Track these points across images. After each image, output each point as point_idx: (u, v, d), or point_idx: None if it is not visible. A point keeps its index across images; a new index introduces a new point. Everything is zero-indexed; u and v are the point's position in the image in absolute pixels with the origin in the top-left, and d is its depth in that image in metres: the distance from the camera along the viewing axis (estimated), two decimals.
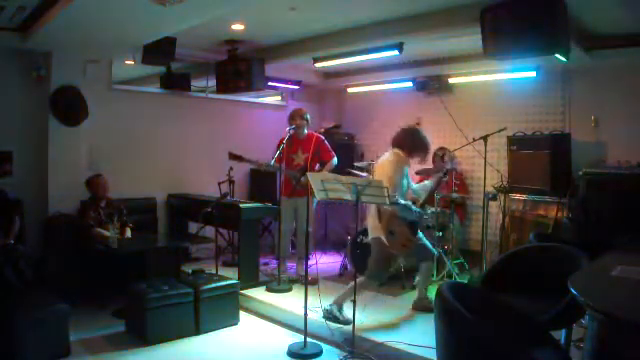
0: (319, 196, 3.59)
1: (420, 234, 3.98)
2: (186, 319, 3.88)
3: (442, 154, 5.74)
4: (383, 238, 3.76)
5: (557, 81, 5.30)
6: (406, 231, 3.76)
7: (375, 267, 3.83)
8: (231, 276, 4.45)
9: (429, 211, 5.02)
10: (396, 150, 3.94)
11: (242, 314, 4.30)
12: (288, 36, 5.22)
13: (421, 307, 4.12)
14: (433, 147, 5.87)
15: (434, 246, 4.82)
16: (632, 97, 4.73)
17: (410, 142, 3.92)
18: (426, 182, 4.36)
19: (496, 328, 2.07)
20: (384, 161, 3.94)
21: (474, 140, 4.86)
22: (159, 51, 5.09)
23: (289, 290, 4.69)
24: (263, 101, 7.25)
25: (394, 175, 3.77)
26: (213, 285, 4.06)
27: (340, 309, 3.87)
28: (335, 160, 5.05)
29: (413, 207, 3.86)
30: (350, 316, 3.59)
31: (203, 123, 6.21)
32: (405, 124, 4.21)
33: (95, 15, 3.74)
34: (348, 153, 6.63)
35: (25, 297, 3.55)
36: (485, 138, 4.73)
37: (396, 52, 4.69)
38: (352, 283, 3.89)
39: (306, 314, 3.60)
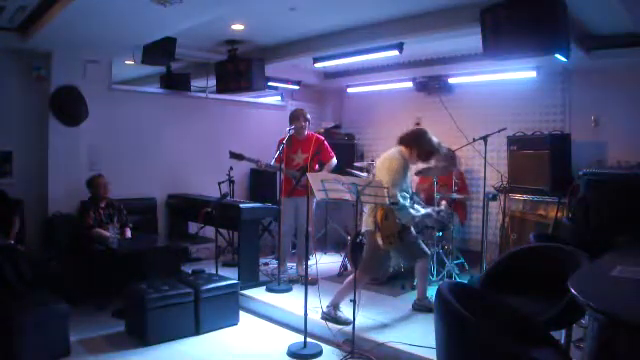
0: (319, 196, 3.59)
1: (414, 234, 3.98)
2: (186, 319, 3.88)
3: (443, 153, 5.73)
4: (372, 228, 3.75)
5: (557, 81, 5.30)
6: (392, 227, 3.73)
7: (368, 260, 3.80)
8: (231, 276, 4.45)
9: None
10: (402, 148, 3.83)
11: (242, 314, 4.30)
12: (288, 36, 5.22)
13: (421, 307, 4.12)
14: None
15: (434, 246, 4.83)
16: (632, 97, 4.73)
17: (419, 142, 3.81)
18: (428, 210, 4.06)
19: (496, 328, 2.07)
20: (389, 156, 3.80)
21: (474, 140, 4.86)
22: (159, 51, 5.10)
23: (289, 290, 4.69)
24: (263, 101, 7.25)
25: (396, 172, 3.68)
26: (213, 285, 4.06)
27: (336, 310, 3.88)
28: (335, 161, 5.06)
29: (416, 209, 3.84)
30: (349, 316, 3.59)
31: (203, 123, 6.21)
32: (412, 125, 4.09)
33: (95, 15, 3.75)
34: (348, 153, 6.63)
35: (25, 297, 3.55)
36: (485, 138, 4.73)
37: (396, 52, 4.69)
38: (344, 284, 3.93)
39: (306, 314, 3.60)
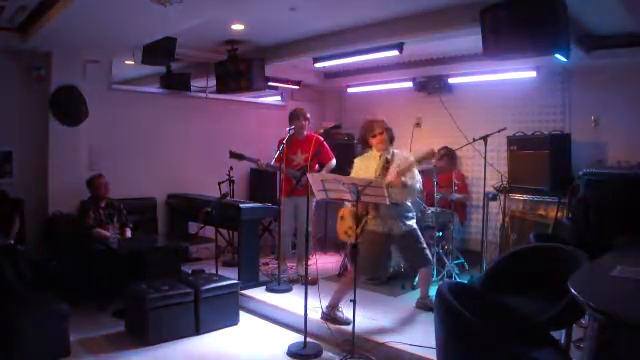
0: (319, 196, 3.60)
1: (421, 239, 3.99)
2: (186, 319, 3.88)
3: (442, 154, 5.74)
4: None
5: (557, 81, 5.29)
6: (351, 220, 3.80)
7: (361, 259, 3.77)
8: (231, 276, 4.45)
9: (429, 211, 5.03)
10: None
11: (242, 314, 4.30)
12: (288, 36, 5.22)
13: (423, 306, 4.13)
14: (434, 147, 5.91)
15: (434, 246, 4.84)
16: (632, 97, 4.72)
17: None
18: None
19: (496, 328, 2.07)
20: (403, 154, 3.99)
21: (474, 140, 4.86)
22: (159, 51, 5.09)
23: (289, 290, 4.69)
24: (263, 101, 7.25)
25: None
26: (213, 285, 4.06)
27: (335, 310, 3.88)
28: (334, 162, 5.06)
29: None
30: (348, 316, 3.59)
31: (203, 123, 6.21)
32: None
33: (95, 15, 3.75)
34: (348, 153, 6.60)
35: (25, 297, 3.55)
36: (485, 138, 4.73)
37: (396, 52, 4.68)
38: (340, 284, 3.96)
39: (306, 314, 3.60)
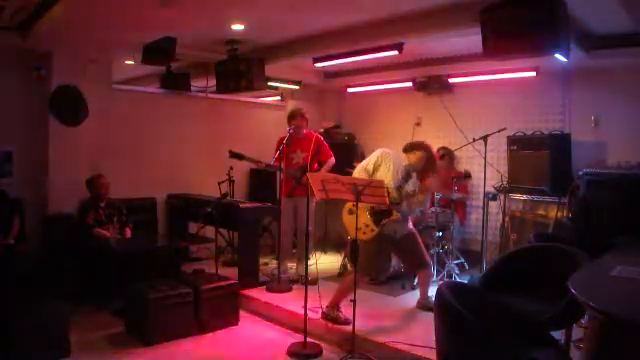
0: (319, 196, 3.59)
1: (419, 241, 3.99)
2: (186, 319, 3.88)
3: (442, 154, 5.74)
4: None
5: (557, 81, 5.30)
6: (367, 216, 3.78)
7: (363, 260, 3.77)
8: (231, 276, 4.45)
9: (429, 211, 5.03)
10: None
11: (242, 314, 4.30)
12: (288, 36, 5.21)
13: (423, 307, 4.13)
14: (433, 147, 5.91)
15: (434, 246, 4.83)
16: (632, 97, 4.72)
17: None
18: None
19: (496, 328, 2.07)
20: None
21: (474, 140, 4.86)
22: (159, 51, 5.09)
23: (289, 290, 4.69)
24: (263, 101, 7.25)
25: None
26: (213, 285, 4.06)
27: (335, 310, 3.88)
28: (333, 160, 5.05)
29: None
30: (348, 316, 3.60)
31: (203, 123, 6.21)
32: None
33: (95, 15, 3.75)
34: (348, 153, 6.62)
35: (25, 297, 3.55)
36: (485, 138, 4.73)
37: (396, 52, 4.68)
38: (342, 283, 3.95)
39: (306, 314, 3.60)
